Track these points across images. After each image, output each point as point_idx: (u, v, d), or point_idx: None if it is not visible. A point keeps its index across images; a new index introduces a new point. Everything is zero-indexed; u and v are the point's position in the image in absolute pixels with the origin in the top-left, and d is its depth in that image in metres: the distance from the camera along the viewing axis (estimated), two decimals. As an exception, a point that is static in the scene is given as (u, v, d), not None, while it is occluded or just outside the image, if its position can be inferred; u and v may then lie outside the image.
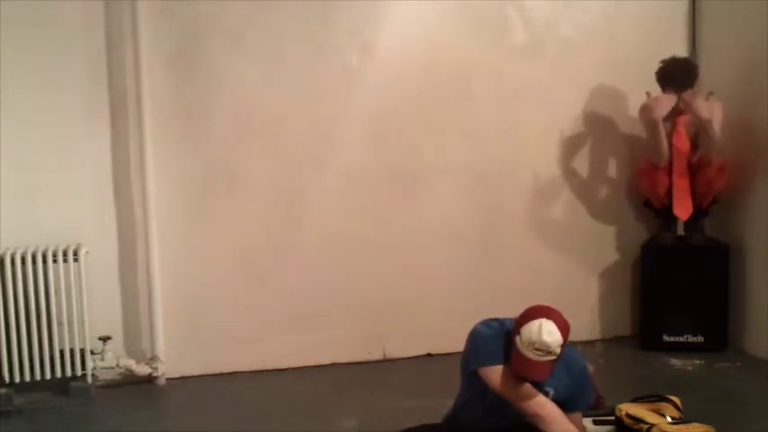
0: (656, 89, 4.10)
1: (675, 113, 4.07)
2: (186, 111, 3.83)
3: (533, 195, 4.32)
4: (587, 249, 4.42)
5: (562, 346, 2.39)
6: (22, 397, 3.55)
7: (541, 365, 2.40)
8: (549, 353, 2.38)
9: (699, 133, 4.07)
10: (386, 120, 4.07)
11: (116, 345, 3.77)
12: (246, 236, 3.94)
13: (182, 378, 3.88)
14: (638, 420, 2.88)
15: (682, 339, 4.11)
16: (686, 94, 4.02)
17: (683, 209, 4.09)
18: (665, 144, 4.03)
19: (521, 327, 2.41)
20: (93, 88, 3.71)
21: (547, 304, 2.49)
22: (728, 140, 4.02)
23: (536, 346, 2.37)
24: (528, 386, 2.46)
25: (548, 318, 2.39)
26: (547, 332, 2.36)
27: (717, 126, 3.97)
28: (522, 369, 2.42)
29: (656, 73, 4.08)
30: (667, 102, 4.03)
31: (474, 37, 4.15)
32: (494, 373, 2.47)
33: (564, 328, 2.41)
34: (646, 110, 4.08)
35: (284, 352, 4.00)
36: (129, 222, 3.79)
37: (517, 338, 2.42)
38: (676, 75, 4.05)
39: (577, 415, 2.61)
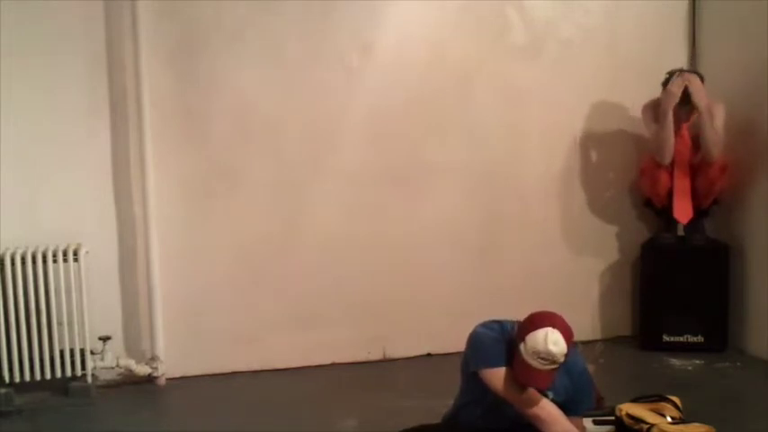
0: (654, 89, 4.09)
1: (679, 121, 4.04)
2: (186, 110, 3.83)
3: (533, 195, 4.32)
4: (587, 249, 4.42)
5: (566, 355, 2.39)
6: (22, 397, 3.55)
7: (545, 374, 2.40)
8: (554, 362, 2.38)
9: (700, 134, 4.04)
10: (386, 120, 4.06)
11: (116, 345, 3.77)
12: (247, 236, 3.94)
13: (182, 378, 3.88)
14: (638, 420, 2.89)
15: (682, 339, 4.10)
16: (690, 76, 3.99)
17: (682, 212, 4.09)
18: (671, 140, 4.02)
19: (525, 335, 2.40)
20: (93, 88, 3.70)
21: (551, 310, 2.48)
22: (729, 141, 4.02)
23: (541, 355, 2.36)
24: (529, 388, 2.46)
25: (553, 327, 2.38)
26: (552, 342, 2.35)
27: (719, 123, 3.96)
28: (524, 377, 2.42)
29: (663, 83, 4.06)
30: (676, 89, 3.96)
31: (474, 37, 4.15)
32: (494, 375, 2.47)
33: (568, 336, 2.41)
34: (654, 106, 4.06)
35: (284, 352, 4.00)
36: (129, 222, 3.79)
37: (521, 346, 2.41)
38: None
39: (578, 418, 2.61)
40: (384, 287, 4.11)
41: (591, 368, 2.76)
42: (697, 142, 4.07)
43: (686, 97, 3.97)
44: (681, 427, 2.84)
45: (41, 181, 3.67)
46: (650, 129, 4.12)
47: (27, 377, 3.52)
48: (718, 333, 4.09)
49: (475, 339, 2.58)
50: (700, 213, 4.14)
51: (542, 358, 2.37)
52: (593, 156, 4.39)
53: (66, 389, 3.63)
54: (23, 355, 3.50)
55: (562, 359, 2.39)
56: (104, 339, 3.66)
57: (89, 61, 3.68)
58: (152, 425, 3.40)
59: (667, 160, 4.06)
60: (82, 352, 3.60)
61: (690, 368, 3.91)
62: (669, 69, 4.09)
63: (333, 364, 4.05)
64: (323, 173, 4.01)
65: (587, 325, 4.35)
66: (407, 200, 4.14)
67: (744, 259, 4.10)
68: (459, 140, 4.18)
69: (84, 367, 3.61)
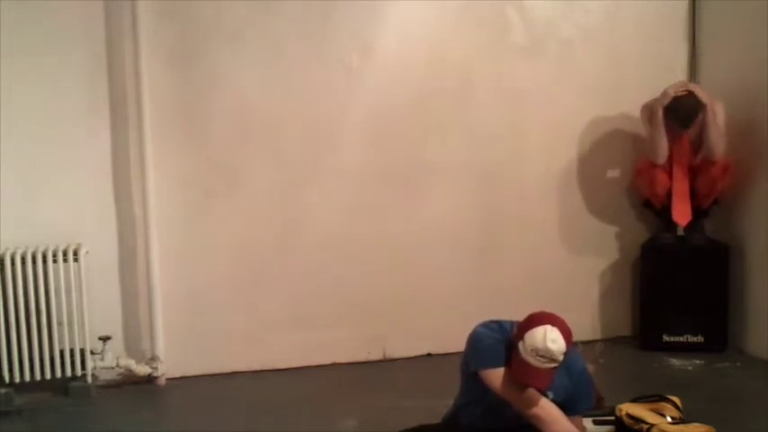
0: (654, 89, 4.09)
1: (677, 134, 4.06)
2: (186, 111, 3.83)
3: (533, 195, 4.31)
4: (587, 249, 4.42)
5: (565, 354, 2.39)
6: (22, 397, 3.55)
7: (543, 372, 2.40)
8: (552, 360, 2.38)
9: (701, 133, 4.04)
10: (386, 120, 4.06)
11: (116, 345, 3.77)
12: (246, 236, 3.94)
13: (182, 378, 3.88)
14: (638, 420, 2.89)
15: (682, 339, 4.10)
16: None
17: (681, 215, 4.09)
18: (664, 140, 4.02)
19: (524, 332, 2.41)
20: (93, 88, 3.70)
21: (550, 311, 2.48)
22: (729, 141, 4.01)
23: (539, 353, 2.36)
24: (528, 388, 2.46)
25: (552, 325, 2.39)
26: (551, 340, 2.36)
27: (720, 121, 3.96)
28: (523, 375, 2.42)
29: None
30: (671, 90, 3.98)
31: (474, 37, 4.15)
32: (494, 375, 2.47)
33: (567, 335, 2.41)
34: (652, 106, 4.07)
35: (284, 352, 4.00)
36: (129, 222, 3.79)
37: (520, 344, 2.41)
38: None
39: (578, 417, 2.61)
40: (384, 287, 4.11)
41: (591, 368, 2.76)
42: (697, 143, 4.07)
43: (687, 119, 3.96)
44: (681, 427, 2.84)
45: (41, 181, 3.67)
46: (646, 129, 4.12)
47: (27, 377, 3.52)
48: (718, 333, 4.09)
49: (475, 339, 2.58)
50: (700, 213, 4.14)
51: (541, 356, 2.37)
52: (593, 156, 4.39)
53: (66, 389, 3.63)
54: (23, 355, 3.50)
55: (561, 358, 2.39)
56: (104, 339, 3.66)
57: (89, 61, 3.69)
58: (152, 425, 3.40)
59: (661, 160, 4.06)
60: (82, 352, 3.60)
61: (690, 368, 3.91)
62: (668, 69, 4.10)
63: (333, 364, 4.05)
64: (323, 173, 4.01)
65: (587, 325, 4.35)
66: (407, 200, 4.14)
67: (744, 259, 4.10)
68: (459, 140, 4.18)
69: (84, 367, 3.61)
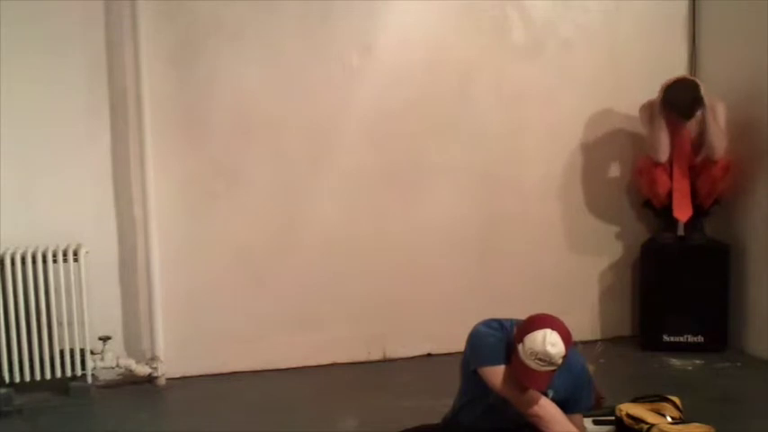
0: (654, 89, 4.09)
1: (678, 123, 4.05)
2: (186, 110, 3.83)
3: (533, 195, 4.31)
4: (587, 249, 4.42)
5: (564, 357, 2.39)
6: (22, 397, 3.55)
7: (542, 375, 2.40)
8: (551, 363, 2.37)
9: (702, 133, 4.04)
10: (386, 120, 4.06)
11: (116, 345, 3.77)
12: (246, 236, 3.94)
13: (182, 378, 3.88)
14: (638, 420, 2.89)
15: (682, 339, 4.10)
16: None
17: (682, 211, 4.08)
18: (665, 138, 4.02)
19: (524, 335, 2.40)
20: (93, 88, 3.70)
21: (550, 311, 2.48)
22: (729, 140, 4.01)
23: (539, 356, 2.36)
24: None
25: (552, 328, 2.38)
26: (550, 344, 2.35)
27: (721, 121, 3.96)
28: (522, 378, 2.42)
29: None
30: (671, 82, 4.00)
31: (474, 37, 4.15)
32: (494, 373, 2.47)
33: (567, 338, 2.40)
34: (651, 106, 4.07)
35: (284, 352, 4.00)
36: (129, 222, 3.79)
37: (519, 347, 2.41)
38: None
39: (578, 416, 2.61)
40: (384, 287, 4.11)
41: (591, 368, 2.75)
42: (697, 143, 4.07)
43: (689, 109, 3.95)
44: (681, 427, 2.85)
45: (42, 181, 3.67)
46: (647, 128, 4.12)
47: (27, 377, 3.52)
48: (718, 333, 4.09)
49: (475, 337, 2.58)
50: (700, 213, 4.14)
51: (540, 359, 2.37)
52: (594, 156, 4.38)
53: (66, 389, 3.63)
54: (23, 355, 3.50)
55: (560, 361, 2.38)
56: (104, 339, 3.66)
57: (89, 61, 3.69)
58: (152, 425, 3.40)
59: (662, 158, 4.05)
60: (82, 352, 3.60)
61: (690, 368, 3.91)
62: (668, 69, 4.09)
63: (333, 364, 4.05)
64: (323, 173, 4.01)
65: (587, 325, 4.35)
66: (407, 200, 4.14)
67: (744, 259, 4.10)
68: (459, 140, 4.18)
69: (84, 367, 3.61)
